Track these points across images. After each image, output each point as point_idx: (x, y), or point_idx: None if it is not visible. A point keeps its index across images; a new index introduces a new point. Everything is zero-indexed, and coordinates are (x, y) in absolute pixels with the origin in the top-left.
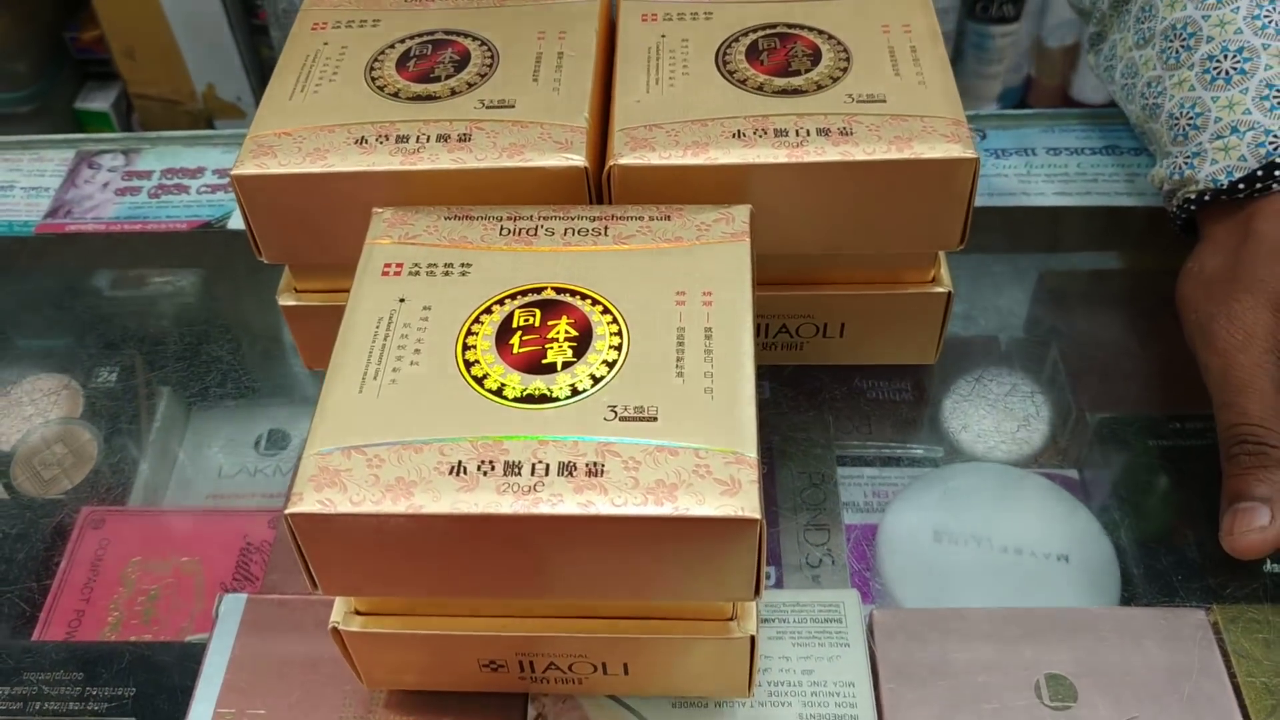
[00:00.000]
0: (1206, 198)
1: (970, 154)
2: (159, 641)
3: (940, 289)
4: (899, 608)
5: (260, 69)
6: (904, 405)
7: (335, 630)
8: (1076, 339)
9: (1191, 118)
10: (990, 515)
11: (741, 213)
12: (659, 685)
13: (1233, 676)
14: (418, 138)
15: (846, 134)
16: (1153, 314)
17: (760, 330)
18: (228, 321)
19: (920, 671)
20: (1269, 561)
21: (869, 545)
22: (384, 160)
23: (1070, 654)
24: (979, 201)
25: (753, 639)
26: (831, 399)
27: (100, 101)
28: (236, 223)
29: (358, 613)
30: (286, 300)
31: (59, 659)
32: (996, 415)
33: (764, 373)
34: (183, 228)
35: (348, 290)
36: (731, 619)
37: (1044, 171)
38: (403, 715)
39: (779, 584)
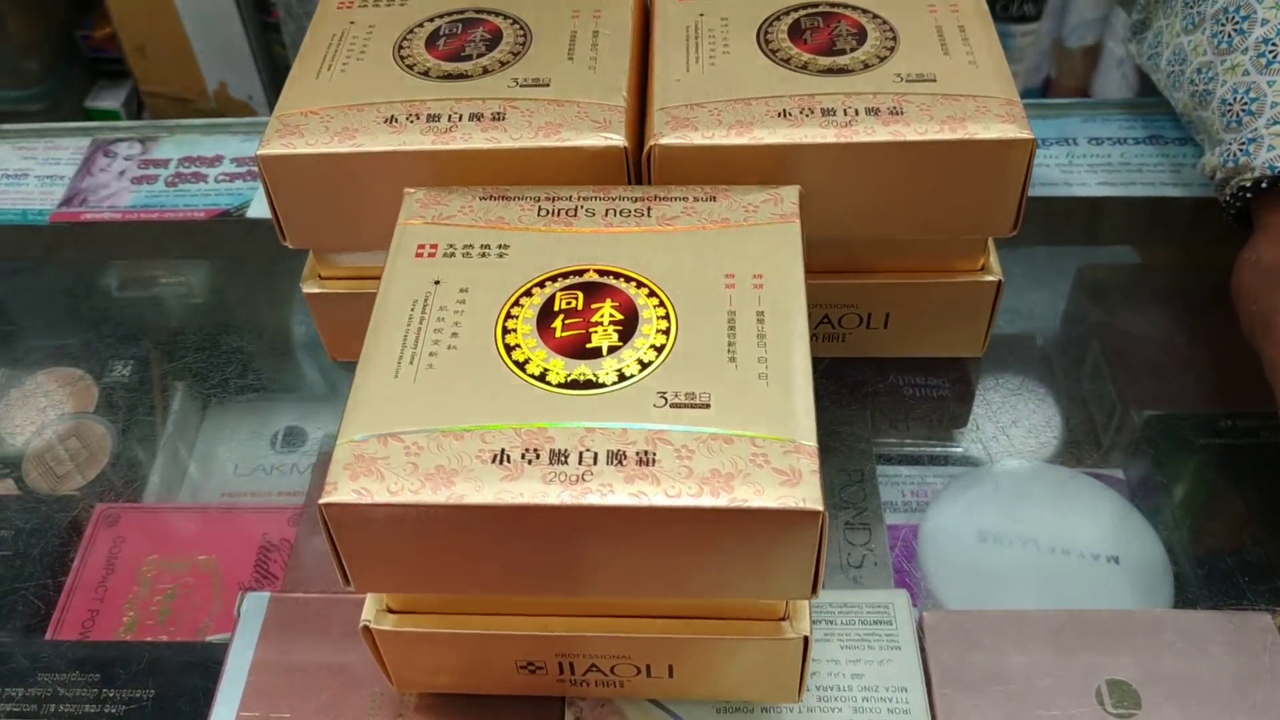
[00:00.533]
0: (1264, 185)
1: (1026, 134)
2: (179, 642)
3: (990, 277)
4: (950, 610)
5: (273, 67)
6: (944, 402)
7: (366, 629)
8: (1122, 334)
9: (1246, 103)
10: (1036, 515)
11: (790, 194)
12: (704, 689)
13: None
14: (450, 116)
15: (897, 114)
16: (1201, 307)
17: None
18: (246, 314)
19: (975, 677)
20: None
21: (911, 545)
22: (415, 140)
23: (1132, 659)
24: None
25: (806, 640)
26: (872, 394)
27: (111, 100)
28: (255, 211)
29: (390, 611)
30: (311, 288)
31: (75, 659)
32: (1039, 413)
33: None
34: (200, 216)
35: (374, 278)
36: (784, 619)
37: (1086, 161)
38: (434, 719)
39: None
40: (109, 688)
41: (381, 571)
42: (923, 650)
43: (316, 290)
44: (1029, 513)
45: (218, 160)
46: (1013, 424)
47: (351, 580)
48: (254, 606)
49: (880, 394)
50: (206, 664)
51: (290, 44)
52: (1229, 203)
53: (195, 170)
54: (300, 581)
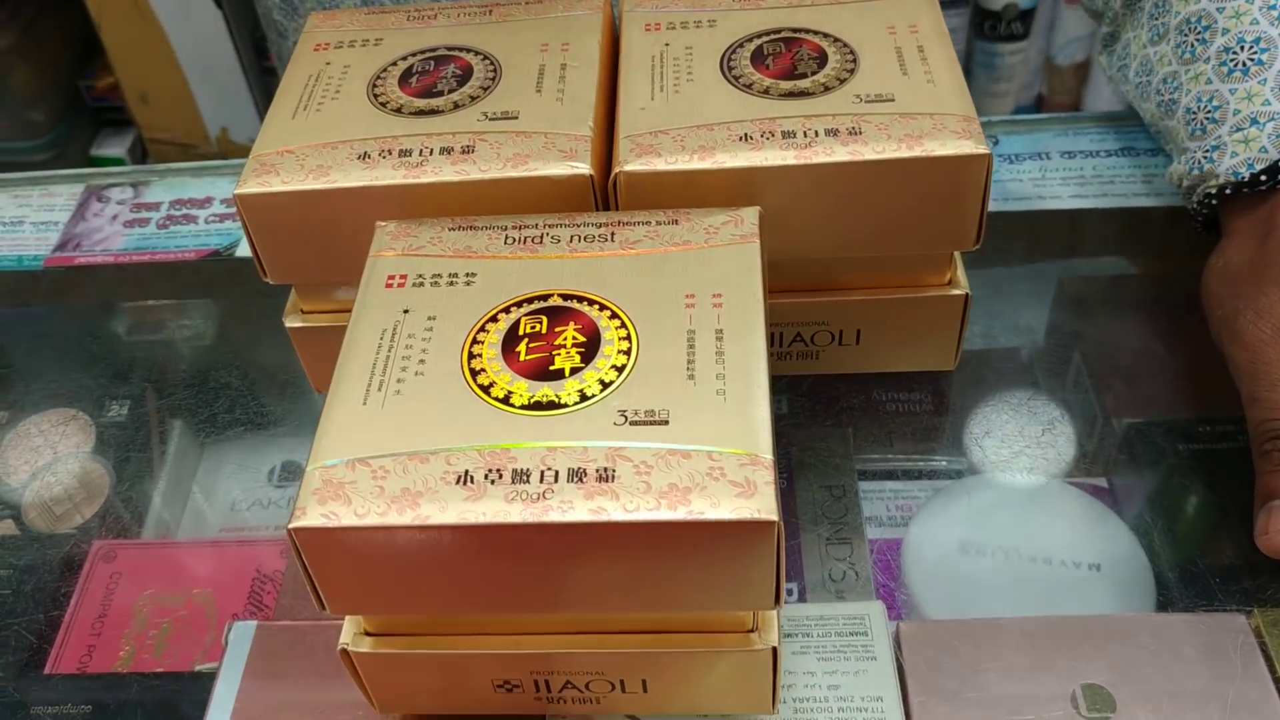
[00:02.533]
0: (1228, 191)
1: (982, 150)
2: (168, 672)
3: (957, 291)
4: (926, 619)
5: None
6: (925, 416)
7: (344, 652)
8: (1099, 343)
9: (1209, 111)
10: (1018, 526)
11: (750, 215)
12: (679, 703)
13: (1277, 682)
14: (420, 151)
15: (855, 134)
16: (1176, 315)
17: (775, 339)
18: (238, 351)
19: (951, 684)
20: None
21: (893, 559)
22: (387, 174)
23: (1107, 663)
24: (994, 207)
25: (775, 650)
26: (850, 410)
27: (116, 148)
28: (245, 250)
29: (367, 633)
30: (293, 322)
31: (66, 692)
32: (1020, 424)
33: (781, 386)
34: (191, 257)
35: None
36: (752, 630)
37: (1059, 175)
38: None
39: (802, 600)
40: (101, 718)
41: (354, 594)
42: (899, 660)
43: (299, 324)
44: (1011, 523)
45: (208, 202)
46: (994, 436)
47: (325, 603)
48: (241, 635)
49: (858, 410)
50: (195, 693)
51: None
52: (1197, 209)
53: (186, 212)
54: (290, 610)
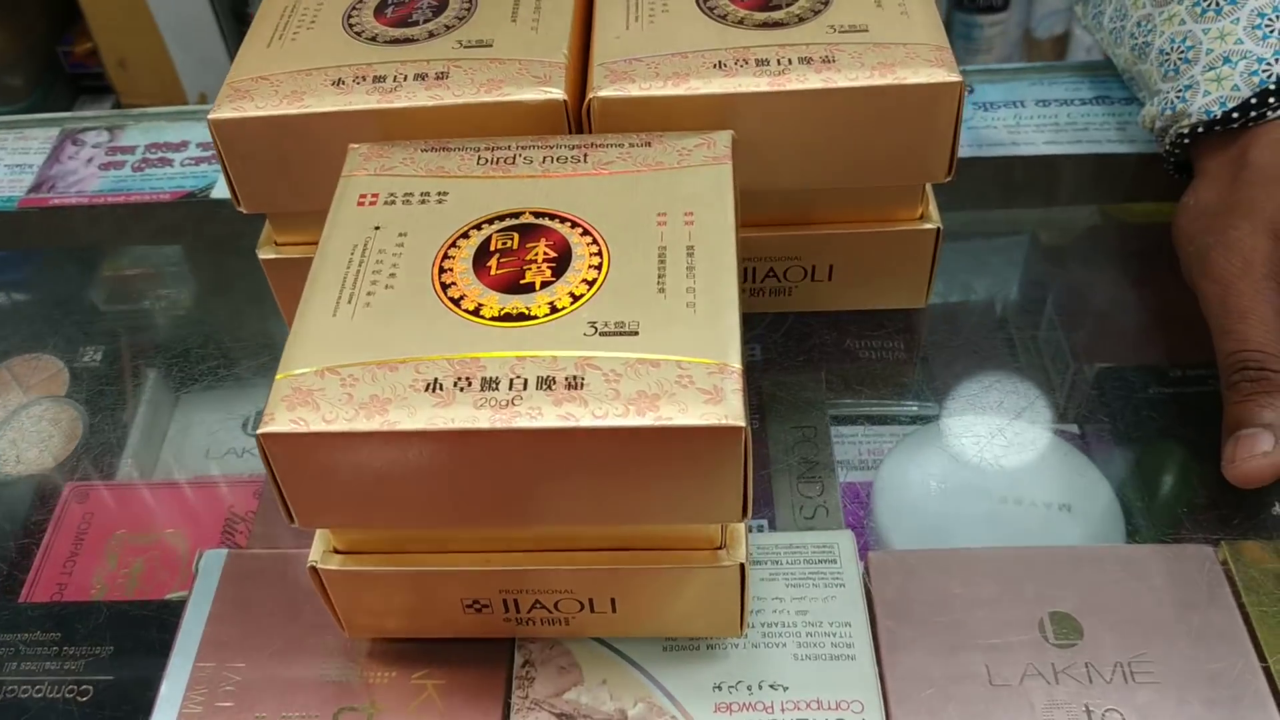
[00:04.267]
0: (1200, 130)
1: (954, 78)
2: (137, 600)
3: (929, 225)
4: (895, 549)
5: None
6: (897, 363)
7: (313, 569)
8: (1070, 290)
9: (1183, 51)
10: (988, 467)
11: (723, 138)
12: (648, 624)
13: (1243, 609)
14: (395, 78)
15: (829, 62)
16: (1146, 259)
17: (748, 275)
18: (213, 293)
19: (919, 610)
20: (1277, 501)
21: (863, 501)
22: (361, 100)
23: (1074, 592)
24: (969, 152)
25: (743, 568)
26: (824, 356)
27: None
28: (219, 192)
29: (337, 551)
30: (266, 254)
31: (35, 618)
32: (991, 370)
33: (754, 323)
34: (166, 198)
35: None
36: (721, 548)
37: (1034, 122)
38: (386, 667)
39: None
40: (69, 645)
41: (323, 505)
42: (867, 587)
43: (272, 256)
44: (981, 464)
45: (183, 146)
46: (966, 380)
47: (294, 515)
48: (211, 563)
49: (832, 357)
50: (164, 619)
51: None
52: (1169, 151)
53: (161, 156)
54: (264, 539)
